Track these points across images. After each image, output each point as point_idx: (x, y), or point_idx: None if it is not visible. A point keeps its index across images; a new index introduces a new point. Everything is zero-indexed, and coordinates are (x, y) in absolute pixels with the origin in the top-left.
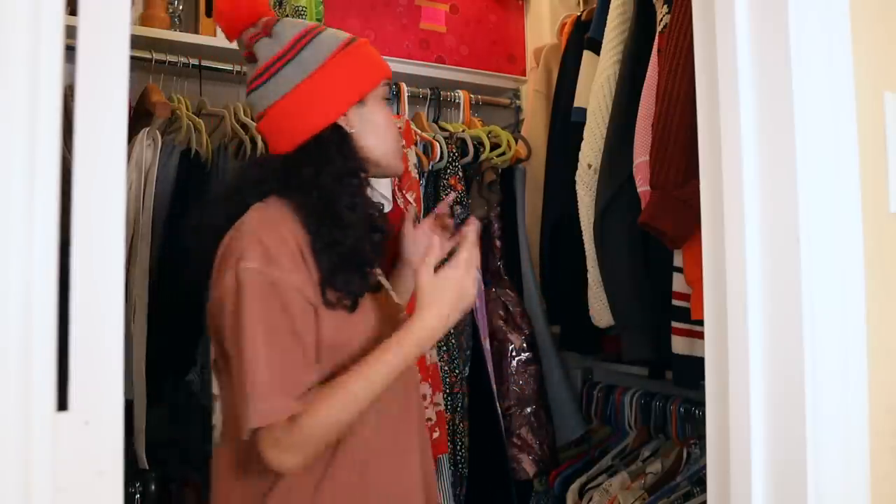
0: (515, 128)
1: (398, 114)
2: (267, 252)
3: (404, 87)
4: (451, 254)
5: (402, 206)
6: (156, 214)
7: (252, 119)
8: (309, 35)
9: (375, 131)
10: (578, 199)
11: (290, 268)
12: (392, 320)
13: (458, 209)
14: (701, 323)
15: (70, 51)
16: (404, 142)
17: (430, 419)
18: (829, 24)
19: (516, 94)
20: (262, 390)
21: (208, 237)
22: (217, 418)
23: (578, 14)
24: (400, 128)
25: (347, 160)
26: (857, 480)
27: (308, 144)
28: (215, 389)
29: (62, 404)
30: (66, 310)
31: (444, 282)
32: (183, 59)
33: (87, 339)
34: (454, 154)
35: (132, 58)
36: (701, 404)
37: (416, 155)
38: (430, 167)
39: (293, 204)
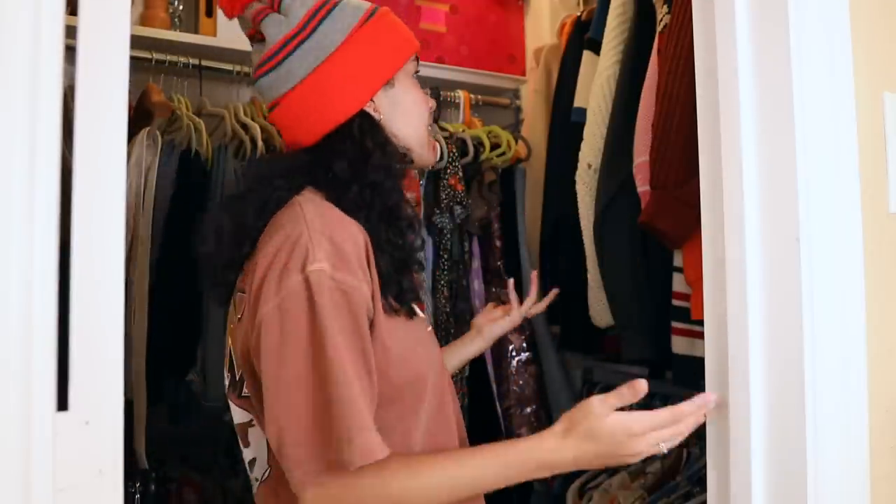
0: (515, 128)
1: None
2: (340, 252)
3: None
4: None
5: None
6: (156, 214)
7: (252, 119)
8: (325, 8)
9: (406, 116)
10: (578, 199)
11: (362, 275)
12: (427, 336)
13: (458, 209)
14: (701, 323)
15: (70, 51)
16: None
17: None
18: (829, 24)
19: (516, 94)
20: (362, 421)
21: (232, 237)
22: (254, 453)
23: (578, 14)
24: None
25: (385, 152)
26: (856, 480)
27: (334, 136)
28: (239, 418)
29: (62, 404)
30: (67, 310)
31: (619, 428)
32: (183, 59)
33: (87, 339)
34: (454, 154)
35: (132, 58)
36: None
37: None
38: (431, 167)
39: (334, 198)
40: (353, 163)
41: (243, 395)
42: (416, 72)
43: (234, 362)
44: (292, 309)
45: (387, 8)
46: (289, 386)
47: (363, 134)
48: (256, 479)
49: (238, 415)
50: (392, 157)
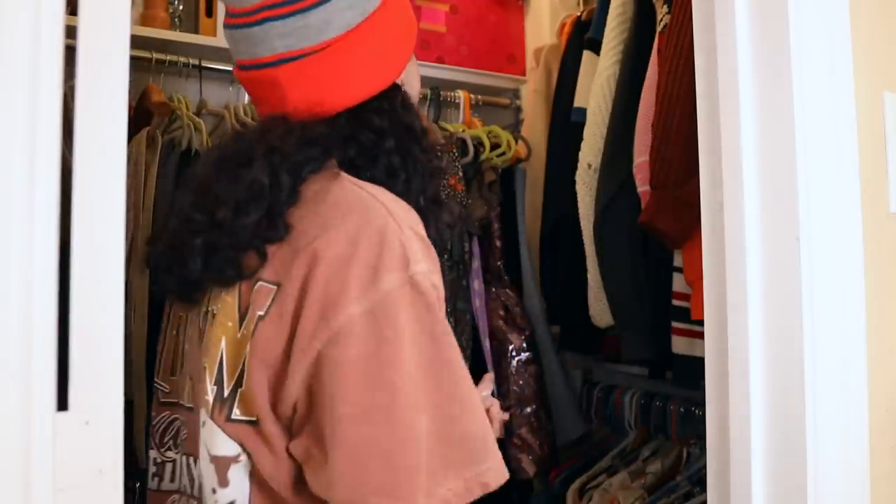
0: (515, 128)
1: None
2: (429, 251)
3: None
4: None
5: None
6: (156, 215)
7: (252, 119)
8: None
9: (415, 88)
10: (578, 199)
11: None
12: None
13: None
14: (701, 323)
15: (70, 51)
16: None
17: None
18: (829, 24)
19: (516, 94)
20: (491, 438)
21: (265, 208)
22: (234, 496)
23: (578, 14)
24: None
25: (427, 133)
26: (856, 480)
27: (368, 107)
28: (222, 450)
29: (62, 404)
30: (67, 310)
31: None
32: (183, 59)
33: (87, 339)
34: (454, 154)
35: (132, 58)
36: (701, 404)
37: None
38: None
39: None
40: (401, 143)
41: (234, 418)
42: None
43: (224, 372)
44: (396, 315)
45: None
46: (392, 410)
47: (406, 110)
48: None
49: (221, 445)
50: (429, 140)
